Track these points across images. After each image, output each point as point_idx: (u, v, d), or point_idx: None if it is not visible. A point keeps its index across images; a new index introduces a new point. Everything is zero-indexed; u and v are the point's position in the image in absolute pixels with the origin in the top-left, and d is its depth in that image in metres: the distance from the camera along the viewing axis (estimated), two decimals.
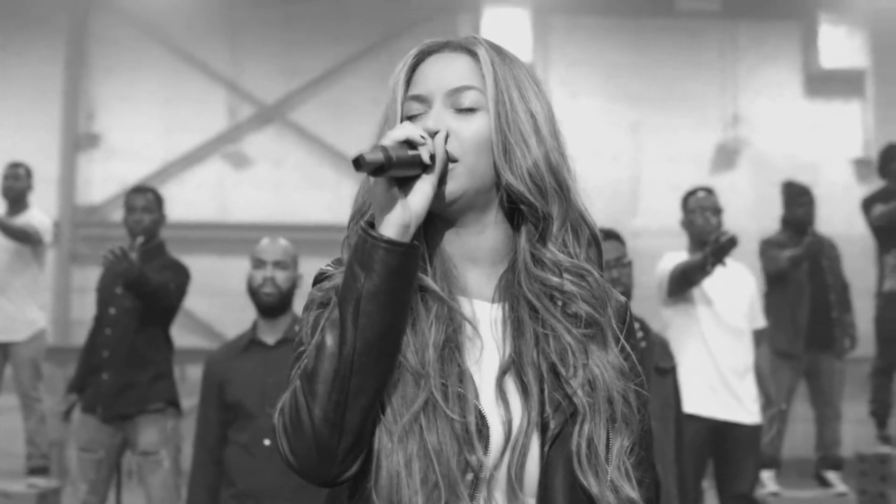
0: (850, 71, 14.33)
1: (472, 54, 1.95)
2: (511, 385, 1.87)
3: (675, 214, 7.27)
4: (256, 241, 5.60)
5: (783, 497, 8.34)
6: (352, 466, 1.80)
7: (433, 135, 1.86)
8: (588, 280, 1.93)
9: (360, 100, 14.50)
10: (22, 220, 8.49)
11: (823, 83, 14.40)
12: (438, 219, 1.95)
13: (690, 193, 7.17)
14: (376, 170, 1.76)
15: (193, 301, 13.56)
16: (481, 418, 1.81)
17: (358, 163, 1.73)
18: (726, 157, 14.30)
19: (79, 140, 14.39)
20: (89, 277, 13.93)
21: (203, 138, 14.42)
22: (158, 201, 7.13)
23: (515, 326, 1.91)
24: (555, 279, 1.90)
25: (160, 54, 14.47)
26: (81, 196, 14.43)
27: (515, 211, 1.94)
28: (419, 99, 1.94)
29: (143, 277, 6.56)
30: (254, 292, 5.42)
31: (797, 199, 8.53)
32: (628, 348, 1.99)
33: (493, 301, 1.94)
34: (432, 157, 1.82)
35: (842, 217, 12.97)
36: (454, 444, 1.78)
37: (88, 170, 14.45)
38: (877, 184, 9.92)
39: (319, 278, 1.97)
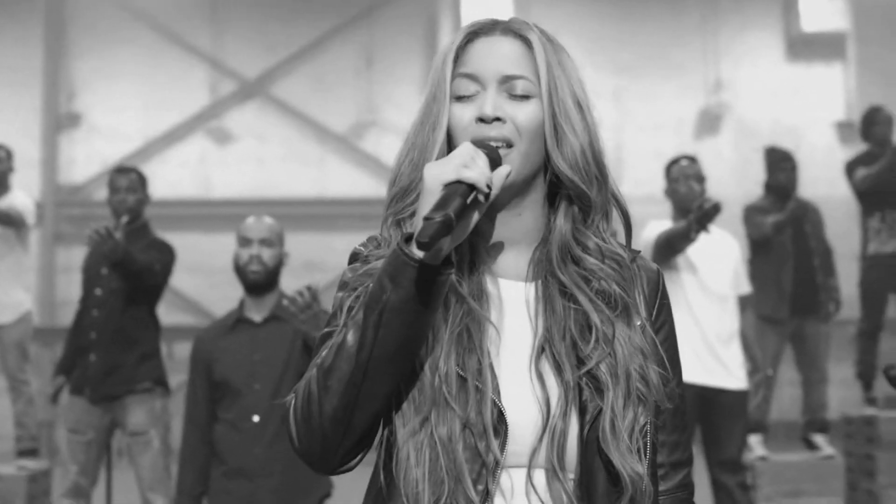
0: (830, 34, 14.36)
1: (525, 41, 1.97)
2: (546, 364, 1.89)
3: (659, 182, 7.27)
4: (241, 218, 5.59)
5: (771, 461, 8.37)
6: (352, 461, 1.88)
7: (491, 120, 1.89)
8: (621, 264, 1.97)
9: (342, 72, 14.47)
10: (4, 202, 8.42)
11: (805, 47, 14.42)
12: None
13: (673, 162, 7.17)
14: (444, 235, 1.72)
15: (179, 279, 13.58)
16: (499, 414, 1.82)
17: (427, 246, 1.69)
18: (709, 122, 14.32)
19: (60, 120, 14.36)
20: (74, 257, 13.97)
21: (185, 115, 14.40)
22: (142, 181, 7.11)
23: (548, 303, 1.93)
24: (593, 261, 1.94)
25: (140, 31, 14.43)
26: (64, 176, 14.41)
27: (554, 193, 1.98)
28: (471, 78, 1.95)
29: (128, 257, 6.53)
30: (240, 270, 5.41)
31: (780, 165, 8.55)
32: (665, 314, 2.02)
33: (526, 280, 1.97)
34: (488, 190, 1.79)
35: (825, 180, 13.03)
36: (465, 436, 1.81)
37: (70, 149, 14.43)
38: (859, 147, 9.92)
39: (353, 259, 2.00)
